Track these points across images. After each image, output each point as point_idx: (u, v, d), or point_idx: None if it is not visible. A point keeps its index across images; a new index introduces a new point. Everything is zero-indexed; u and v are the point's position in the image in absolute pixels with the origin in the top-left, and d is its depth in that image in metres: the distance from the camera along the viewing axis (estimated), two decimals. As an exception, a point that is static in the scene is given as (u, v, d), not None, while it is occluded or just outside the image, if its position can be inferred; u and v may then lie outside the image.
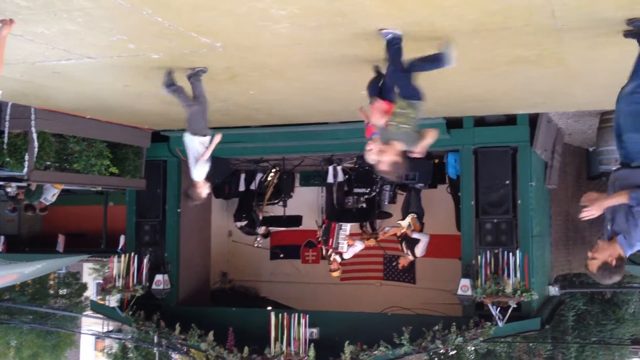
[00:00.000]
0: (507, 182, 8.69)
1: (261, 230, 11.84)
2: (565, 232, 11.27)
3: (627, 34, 4.52)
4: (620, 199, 3.85)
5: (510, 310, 8.02)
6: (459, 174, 9.14)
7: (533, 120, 8.61)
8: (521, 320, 8.31)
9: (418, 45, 4.65)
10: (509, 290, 7.92)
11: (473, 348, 14.99)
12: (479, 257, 8.40)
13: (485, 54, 5.25)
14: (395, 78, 4.70)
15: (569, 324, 14.35)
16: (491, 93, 7.02)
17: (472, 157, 8.87)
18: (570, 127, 9.98)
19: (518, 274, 8.07)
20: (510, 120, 8.71)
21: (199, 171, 5.96)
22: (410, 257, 10.14)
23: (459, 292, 8.44)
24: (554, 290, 9.95)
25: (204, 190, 6.01)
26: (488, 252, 8.37)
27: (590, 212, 3.95)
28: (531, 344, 14.42)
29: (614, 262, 3.80)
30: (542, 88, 6.67)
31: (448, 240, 10.49)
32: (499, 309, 8.09)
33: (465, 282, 8.44)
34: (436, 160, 9.83)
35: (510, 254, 8.20)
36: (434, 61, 4.67)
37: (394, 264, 11.73)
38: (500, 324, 8.11)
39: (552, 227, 10.35)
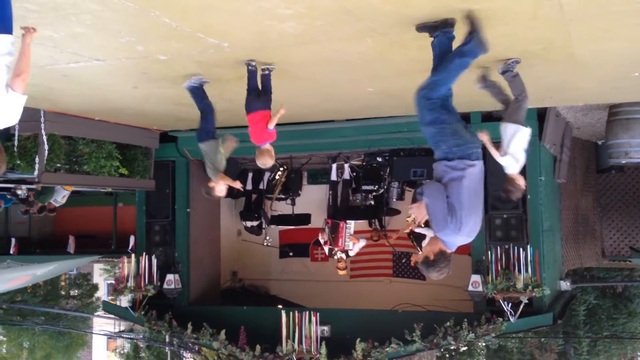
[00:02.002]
0: (516, 177, 8.64)
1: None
2: (575, 226, 11.23)
3: (419, 28, 4.44)
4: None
5: (521, 306, 8.00)
6: (468, 169, 9.10)
7: (541, 114, 8.58)
8: (533, 315, 8.28)
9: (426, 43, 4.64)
10: (520, 285, 7.90)
11: (484, 344, 14.96)
12: (489, 252, 8.38)
13: (492, 49, 5.23)
14: None
15: (580, 319, 14.30)
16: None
17: (481, 152, 8.82)
18: (578, 120, 9.93)
19: (529, 269, 8.04)
20: (518, 115, 8.66)
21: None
22: (421, 254, 10.11)
23: (470, 288, 8.43)
24: (565, 285, 9.92)
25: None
26: (498, 248, 8.35)
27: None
28: (543, 339, 14.39)
29: (432, 257, 4.17)
30: (550, 82, 6.65)
31: (457, 236, 10.45)
32: (510, 304, 8.08)
33: (475, 278, 8.42)
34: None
35: (521, 249, 8.17)
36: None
37: (403, 260, 11.73)
38: (512, 319, 8.09)
39: (562, 221, 10.32)
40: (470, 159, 4.15)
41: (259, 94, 5.72)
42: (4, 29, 3.24)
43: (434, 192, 4.08)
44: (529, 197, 8.60)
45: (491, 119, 8.84)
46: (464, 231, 4.10)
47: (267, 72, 5.67)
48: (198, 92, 6.14)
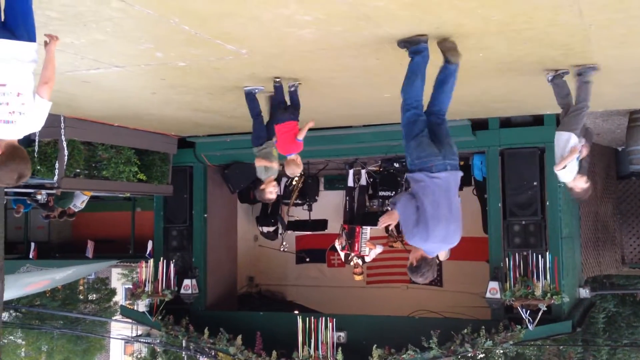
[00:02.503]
0: (535, 183, 8.59)
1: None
2: (594, 233, 11.11)
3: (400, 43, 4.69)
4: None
5: (540, 313, 7.93)
6: (485, 175, 9.07)
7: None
8: (551, 323, 8.20)
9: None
10: (538, 293, 7.83)
11: (502, 352, 14.84)
12: (507, 259, 8.32)
13: (511, 55, 5.22)
14: None
15: (599, 327, 14.12)
16: (517, 94, 6.96)
17: (499, 158, 8.80)
18: (598, 126, 9.84)
19: (548, 277, 7.97)
20: (537, 120, 8.62)
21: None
22: (436, 260, 10.06)
23: (488, 295, 8.37)
24: (584, 293, 9.81)
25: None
26: (516, 254, 8.28)
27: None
28: (562, 347, 14.23)
29: (415, 263, 4.38)
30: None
31: (475, 242, 10.40)
32: (528, 312, 8.00)
33: (493, 285, 8.36)
34: (461, 163, 9.75)
35: (540, 256, 8.10)
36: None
37: (420, 267, 11.66)
38: (530, 327, 8.02)
39: (582, 228, 10.21)
40: (431, 172, 4.32)
41: (286, 107, 5.94)
42: (28, 37, 3.30)
43: (404, 202, 4.36)
44: (547, 203, 8.53)
45: (509, 124, 8.80)
46: (434, 239, 4.30)
47: (293, 88, 5.95)
48: (253, 98, 6.21)
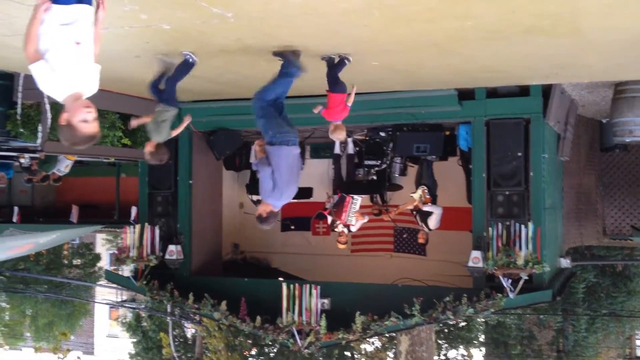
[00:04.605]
0: (520, 154, 8.63)
1: None
2: (577, 205, 11.24)
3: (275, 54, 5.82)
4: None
5: (521, 282, 8.04)
6: (471, 146, 9.10)
7: (546, 91, 8.53)
8: (532, 292, 8.33)
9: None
10: (520, 262, 7.93)
11: (483, 320, 15.09)
12: (490, 229, 8.40)
13: (498, 24, 5.19)
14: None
15: (579, 297, 14.40)
16: (504, 63, 6.94)
17: (484, 128, 8.82)
18: (583, 98, 9.88)
19: (530, 246, 8.07)
20: (523, 91, 8.62)
21: None
22: (426, 230, 10.17)
23: (470, 264, 8.46)
24: (565, 263, 9.96)
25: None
26: (499, 224, 8.36)
27: None
28: (542, 316, 14.49)
29: (264, 215, 5.45)
30: (556, 58, 6.59)
31: (459, 212, 10.48)
32: (510, 281, 8.12)
33: (476, 254, 8.45)
34: (447, 132, 9.78)
35: (522, 226, 8.19)
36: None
37: (404, 236, 11.76)
38: (511, 295, 8.14)
39: (564, 199, 10.32)
40: (287, 145, 5.52)
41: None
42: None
43: (264, 167, 5.45)
44: (531, 174, 8.59)
45: (496, 95, 8.80)
46: (284, 197, 5.47)
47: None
48: (188, 67, 6.29)
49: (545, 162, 8.60)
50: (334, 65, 6.35)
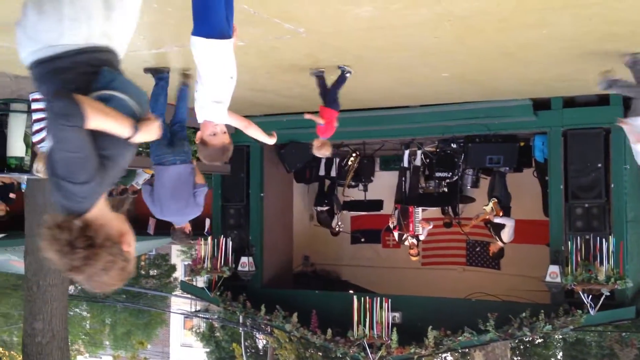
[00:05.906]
0: (599, 165, 8.32)
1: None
2: (662, 218, 10.68)
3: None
4: None
5: (602, 299, 7.72)
6: (547, 157, 8.84)
7: (627, 100, 8.18)
8: (614, 309, 7.98)
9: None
10: (601, 277, 7.62)
11: (561, 337, 14.55)
12: (569, 243, 8.11)
13: (575, 32, 5.04)
14: None
15: (665, 314, 13.64)
16: (582, 72, 6.71)
17: (561, 139, 8.55)
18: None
19: (611, 261, 7.74)
20: (602, 100, 8.31)
21: None
22: (500, 243, 9.95)
23: (548, 278, 8.20)
24: (649, 278, 9.49)
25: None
26: (578, 238, 8.06)
27: None
28: (624, 334, 13.85)
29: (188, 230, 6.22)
30: None
31: (534, 225, 10.18)
32: (590, 297, 7.81)
33: (554, 268, 8.18)
34: (521, 143, 9.54)
35: (603, 239, 7.87)
36: None
37: (477, 249, 11.52)
38: (591, 312, 7.82)
39: (648, 212, 9.84)
40: (164, 165, 5.83)
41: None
42: None
43: (145, 188, 5.95)
44: (612, 186, 8.26)
45: (573, 104, 8.53)
46: (167, 213, 5.89)
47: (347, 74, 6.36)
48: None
49: (627, 173, 8.24)
50: (336, 81, 6.41)
